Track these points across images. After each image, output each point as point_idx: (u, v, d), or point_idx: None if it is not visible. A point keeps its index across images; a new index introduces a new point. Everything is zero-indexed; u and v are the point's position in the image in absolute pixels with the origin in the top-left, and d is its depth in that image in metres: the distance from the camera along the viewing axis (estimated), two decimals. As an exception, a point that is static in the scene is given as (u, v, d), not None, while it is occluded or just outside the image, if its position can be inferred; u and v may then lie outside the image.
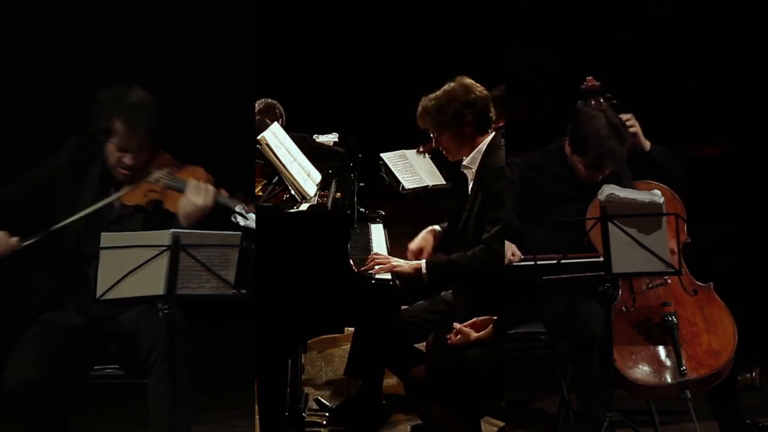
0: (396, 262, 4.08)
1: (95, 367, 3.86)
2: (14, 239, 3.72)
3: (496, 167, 4.06)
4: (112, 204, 3.83)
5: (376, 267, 4.03)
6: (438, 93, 4.10)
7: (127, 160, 3.81)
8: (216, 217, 3.82)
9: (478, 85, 4.12)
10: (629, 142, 4.09)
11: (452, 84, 4.11)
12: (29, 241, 3.73)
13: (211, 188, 3.81)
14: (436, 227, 4.36)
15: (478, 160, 4.12)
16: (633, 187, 3.99)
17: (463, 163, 4.19)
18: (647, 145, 4.24)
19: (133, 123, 3.76)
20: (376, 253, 4.17)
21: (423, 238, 4.31)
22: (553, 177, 4.19)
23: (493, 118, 4.17)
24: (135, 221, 3.84)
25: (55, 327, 3.77)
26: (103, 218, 3.82)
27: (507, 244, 3.97)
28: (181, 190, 3.81)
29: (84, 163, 3.88)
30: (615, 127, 4.04)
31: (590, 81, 4.24)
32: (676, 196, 4.12)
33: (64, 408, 3.77)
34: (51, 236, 3.76)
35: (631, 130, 4.16)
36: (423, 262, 4.07)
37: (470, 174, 4.17)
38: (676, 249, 3.99)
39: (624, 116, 4.15)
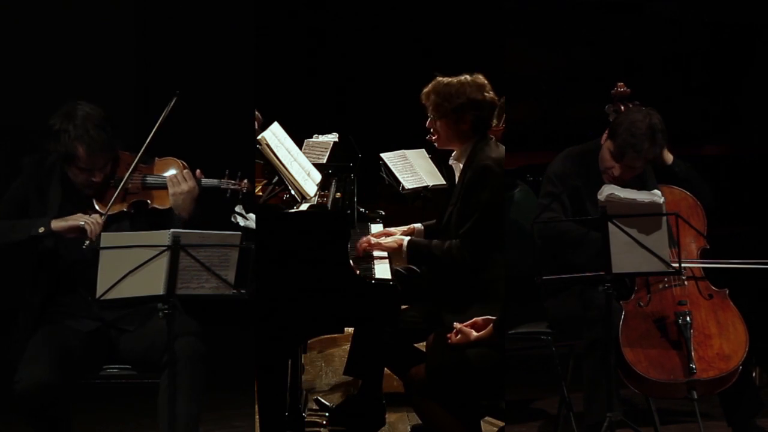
0: (383, 240, 4.20)
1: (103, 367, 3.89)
2: (97, 216, 3.74)
3: (480, 164, 4.05)
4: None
5: (367, 247, 4.16)
6: (452, 79, 4.10)
7: (96, 178, 3.82)
8: (206, 197, 3.87)
9: (491, 90, 4.12)
10: (658, 150, 4.10)
11: (468, 77, 4.10)
12: (106, 213, 3.75)
13: (187, 173, 3.86)
14: (418, 225, 4.41)
15: (465, 157, 4.13)
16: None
17: (452, 156, 4.20)
18: (669, 158, 4.23)
19: (93, 143, 3.75)
20: (363, 239, 4.23)
21: (396, 229, 4.41)
22: (583, 180, 4.18)
23: (492, 125, 4.17)
24: (121, 227, 3.84)
25: (67, 330, 3.79)
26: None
27: None
28: (164, 186, 3.84)
29: (44, 180, 3.87)
30: (653, 129, 4.05)
31: (621, 86, 4.26)
32: (699, 202, 4.13)
33: (69, 408, 3.79)
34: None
35: None
36: (405, 239, 4.16)
37: (457, 169, 4.18)
38: (695, 251, 4.01)
39: None
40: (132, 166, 3.85)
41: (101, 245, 3.38)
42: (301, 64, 7.83)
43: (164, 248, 3.39)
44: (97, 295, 3.39)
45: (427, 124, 4.17)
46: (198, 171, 3.89)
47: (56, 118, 3.79)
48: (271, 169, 4.38)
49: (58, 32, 5.91)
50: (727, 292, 4.09)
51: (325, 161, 5.27)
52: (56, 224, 3.74)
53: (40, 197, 3.85)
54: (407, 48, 7.75)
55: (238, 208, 3.83)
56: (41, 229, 3.73)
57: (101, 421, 4.75)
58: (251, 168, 4.58)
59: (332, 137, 5.75)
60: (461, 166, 4.15)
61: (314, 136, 5.80)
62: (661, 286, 4.07)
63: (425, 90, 4.13)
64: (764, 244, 5.35)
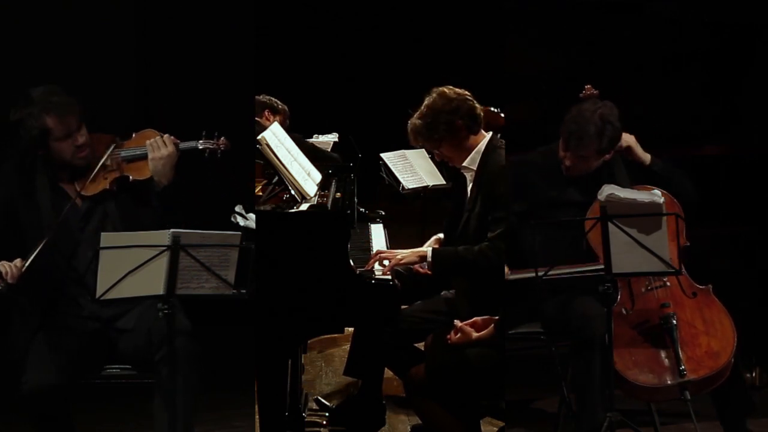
0: (401, 254, 4.09)
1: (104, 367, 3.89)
2: (18, 261, 3.70)
3: (498, 168, 4.07)
4: (74, 203, 3.83)
5: (385, 264, 4.04)
6: (420, 110, 4.12)
7: (81, 139, 3.83)
8: (184, 161, 3.90)
9: (455, 89, 4.13)
10: (606, 142, 4.08)
11: (431, 97, 4.12)
12: (29, 260, 3.70)
13: (167, 138, 3.89)
14: (441, 236, 4.38)
15: (478, 161, 4.13)
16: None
17: (463, 164, 4.19)
18: (647, 158, 4.22)
19: (59, 107, 3.78)
20: (379, 250, 4.18)
21: (428, 245, 4.34)
22: (543, 174, 4.20)
23: (481, 114, 4.17)
24: (107, 207, 3.86)
25: (69, 332, 3.79)
26: (69, 221, 3.82)
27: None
28: (143, 157, 3.87)
29: (29, 180, 3.87)
30: (603, 120, 4.05)
31: (588, 89, 4.25)
32: (675, 200, 4.12)
33: (70, 408, 3.80)
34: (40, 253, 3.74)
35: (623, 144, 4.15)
36: (429, 250, 4.09)
37: (470, 175, 4.17)
38: (675, 251, 4.00)
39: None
40: (111, 148, 3.87)
41: (101, 245, 3.39)
42: (301, 65, 7.83)
43: (164, 248, 3.39)
44: (97, 295, 3.40)
45: (436, 158, 4.27)
46: (172, 137, 3.92)
47: (13, 111, 3.82)
48: (271, 169, 4.38)
49: (57, 32, 5.91)
50: (711, 288, 4.08)
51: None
52: None
53: (27, 199, 3.85)
54: (407, 48, 7.76)
55: (238, 208, 3.84)
56: None
57: (101, 421, 4.75)
58: (251, 167, 4.59)
59: (332, 137, 5.76)
60: (473, 171, 4.14)
61: (314, 136, 5.81)
62: (643, 289, 4.06)
63: (410, 136, 4.18)
64: (764, 244, 5.35)
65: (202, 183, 4.45)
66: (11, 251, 3.76)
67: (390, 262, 4.06)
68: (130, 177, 3.89)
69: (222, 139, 3.95)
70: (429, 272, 4.15)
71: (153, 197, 3.84)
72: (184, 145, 3.92)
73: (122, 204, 3.87)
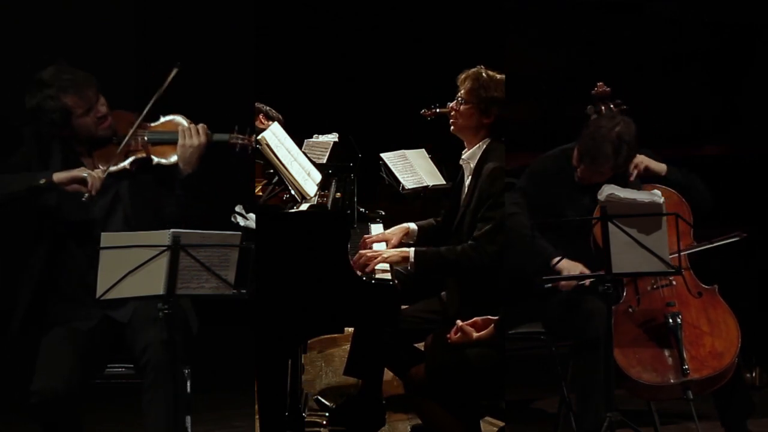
0: (387, 253, 4.10)
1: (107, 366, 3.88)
2: (99, 171, 3.71)
3: (494, 166, 4.07)
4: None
5: (370, 264, 4.04)
6: (495, 73, 4.15)
7: (102, 109, 3.81)
8: (211, 153, 3.88)
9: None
10: (622, 161, 4.08)
11: (503, 81, 4.15)
12: (108, 170, 3.72)
13: (202, 126, 3.86)
14: (411, 225, 4.38)
15: (478, 156, 4.14)
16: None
17: (463, 156, 4.21)
18: (663, 169, 4.21)
19: (74, 83, 3.77)
20: (362, 252, 4.18)
21: (391, 232, 4.37)
22: (557, 182, 4.19)
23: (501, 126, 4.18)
24: (119, 187, 3.84)
25: (75, 332, 3.75)
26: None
27: (573, 264, 3.98)
28: (170, 142, 3.84)
29: (47, 152, 3.85)
30: (619, 139, 4.02)
31: (601, 86, 4.24)
32: (683, 199, 4.12)
33: (79, 412, 3.79)
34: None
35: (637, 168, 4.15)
36: (411, 251, 4.10)
37: (468, 169, 4.19)
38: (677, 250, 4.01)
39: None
40: (135, 125, 3.84)
41: (101, 245, 3.39)
42: (301, 64, 7.82)
43: (164, 248, 3.39)
44: (97, 295, 3.40)
45: (452, 105, 4.20)
46: (206, 126, 3.90)
47: (28, 97, 3.79)
48: (271, 169, 4.38)
49: (57, 32, 5.91)
50: (717, 288, 4.08)
51: (325, 161, 5.27)
52: (58, 176, 3.69)
53: (41, 166, 3.82)
54: (407, 48, 7.74)
55: (238, 208, 3.84)
56: (42, 181, 3.68)
57: (101, 421, 4.75)
58: (251, 167, 4.59)
59: (332, 137, 5.75)
60: (472, 166, 4.15)
61: (314, 136, 5.80)
62: (649, 288, 4.06)
63: (464, 74, 4.17)
64: (764, 244, 5.35)
65: (203, 182, 4.45)
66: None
67: (376, 260, 4.07)
68: (153, 159, 3.86)
69: (254, 136, 3.93)
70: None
71: (177, 184, 3.82)
72: (216, 137, 3.89)
73: (135, 186, 3.84)
